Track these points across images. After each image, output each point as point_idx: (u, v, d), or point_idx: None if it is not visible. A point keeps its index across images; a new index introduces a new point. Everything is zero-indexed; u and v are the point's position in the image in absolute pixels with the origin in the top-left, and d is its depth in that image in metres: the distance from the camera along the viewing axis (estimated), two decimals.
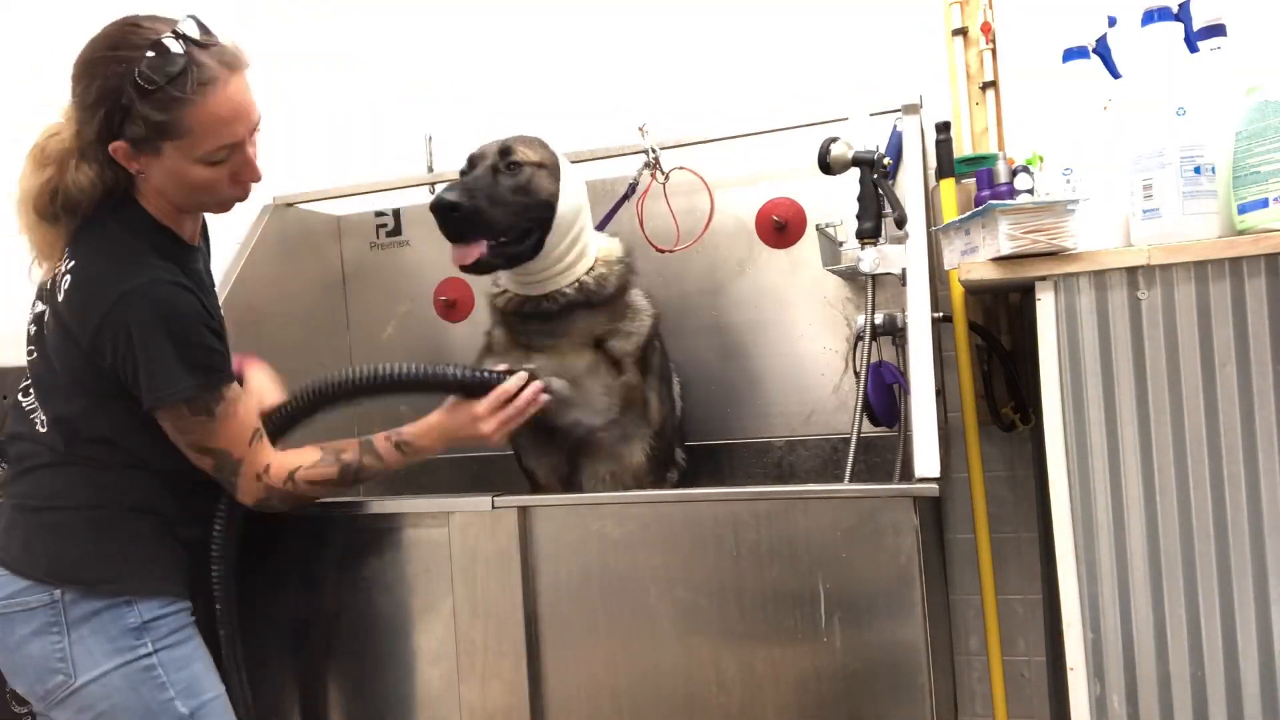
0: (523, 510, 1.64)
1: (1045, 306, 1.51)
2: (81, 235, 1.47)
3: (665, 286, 2.30)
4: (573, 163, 2.29)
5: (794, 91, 2.33)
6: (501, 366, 1.72)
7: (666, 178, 2.15)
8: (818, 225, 2.03)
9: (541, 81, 2.56)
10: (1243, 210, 1.46)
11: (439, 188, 2.33)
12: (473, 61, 2.64)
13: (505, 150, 1.83)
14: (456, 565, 1.65)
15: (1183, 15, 1.66)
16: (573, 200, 1.84)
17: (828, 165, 1.84)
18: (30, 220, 1.47)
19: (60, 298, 1.45)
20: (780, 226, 2.20)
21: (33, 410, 1.52)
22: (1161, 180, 1.48)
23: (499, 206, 1.76)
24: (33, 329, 1.53)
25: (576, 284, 1.84)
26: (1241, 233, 1.46)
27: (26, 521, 1.48)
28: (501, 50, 2.61)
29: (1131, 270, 1.47)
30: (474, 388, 1.65)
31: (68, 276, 1.44)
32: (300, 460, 1.58)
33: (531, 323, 1.87)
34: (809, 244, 2.15)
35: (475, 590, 1.66)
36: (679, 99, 2.41)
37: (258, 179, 1.57)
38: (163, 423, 1.47)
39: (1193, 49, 1.62)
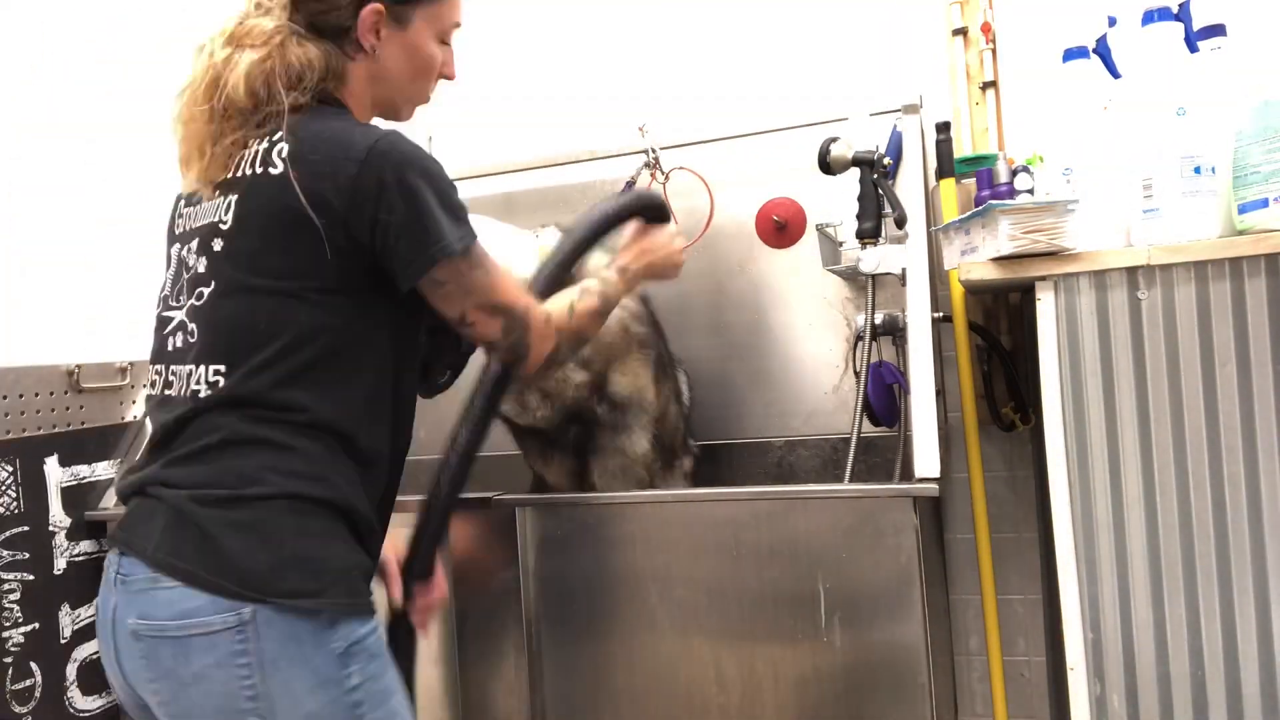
0: (522, 509, 1.64)
1: (1045, 306, 1.51)
2: (289, 123, 1.22)
3: (665, 286, 2.29)
4: (573, 163, 2.30)
5: (794, 91, 2.33)
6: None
7: (666, 178, 2.15)
8: (818, 225, 2.03)
9: (541, 81, 2.56)
10: (1243, 210, 1.46)
11: None
12: (473, 61, 2.64)
13: None
14: (456, 565, 1.65)
15: (1183, 15, 1.66)
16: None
17: (828, 165, 1.84)
18: (209, 116, 1.25)
19: (269, 186, 1.19)
20: (780, 226, 2.20)
21: (189, 377, 1.20)
22: (1161, 180, 1.48)
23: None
24: (196, 268, 1.26)
25: None
26: (1241, 233, 1.46)
27: (203, 518, 1.12)
28: (501, 50, 2.60)
29: (1131, 270, 1.47)
30: (654, 211, 1.58)
31: (282, 149, 1.19)
32: (565, 300, 1.38)
33: None
34: (809, 244, 2.15)
35: (475, 590, 1.66)
36: (679, 99, 2.41)
37: (452, 77, 1.49)
38: (435, 290, 1.21)
39: (1193, 49, 1.62)
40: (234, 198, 1.22)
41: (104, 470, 1.93)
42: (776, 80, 2.36)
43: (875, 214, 1.84)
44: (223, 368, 1.18)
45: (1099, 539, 1.48)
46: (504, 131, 2.56)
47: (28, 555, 1.78)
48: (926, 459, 1.48)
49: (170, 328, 1.28)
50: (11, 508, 1.77)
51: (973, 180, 1.99)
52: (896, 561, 1.46)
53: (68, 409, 1.89)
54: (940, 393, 1.77)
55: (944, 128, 2.05)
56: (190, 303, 1.25)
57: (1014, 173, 1.84)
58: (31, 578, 1.79)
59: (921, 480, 1.46)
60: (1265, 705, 1.41)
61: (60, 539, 1.85)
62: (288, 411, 1.17)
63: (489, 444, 1.67)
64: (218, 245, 1.23)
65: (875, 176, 1.83)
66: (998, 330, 2.11)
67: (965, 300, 2.01)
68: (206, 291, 1.23)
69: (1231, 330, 1.43)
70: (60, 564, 1.84)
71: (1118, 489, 1.48)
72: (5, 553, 1.75)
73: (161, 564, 1.12)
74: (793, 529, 1.51)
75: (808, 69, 2.34)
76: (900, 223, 1.78)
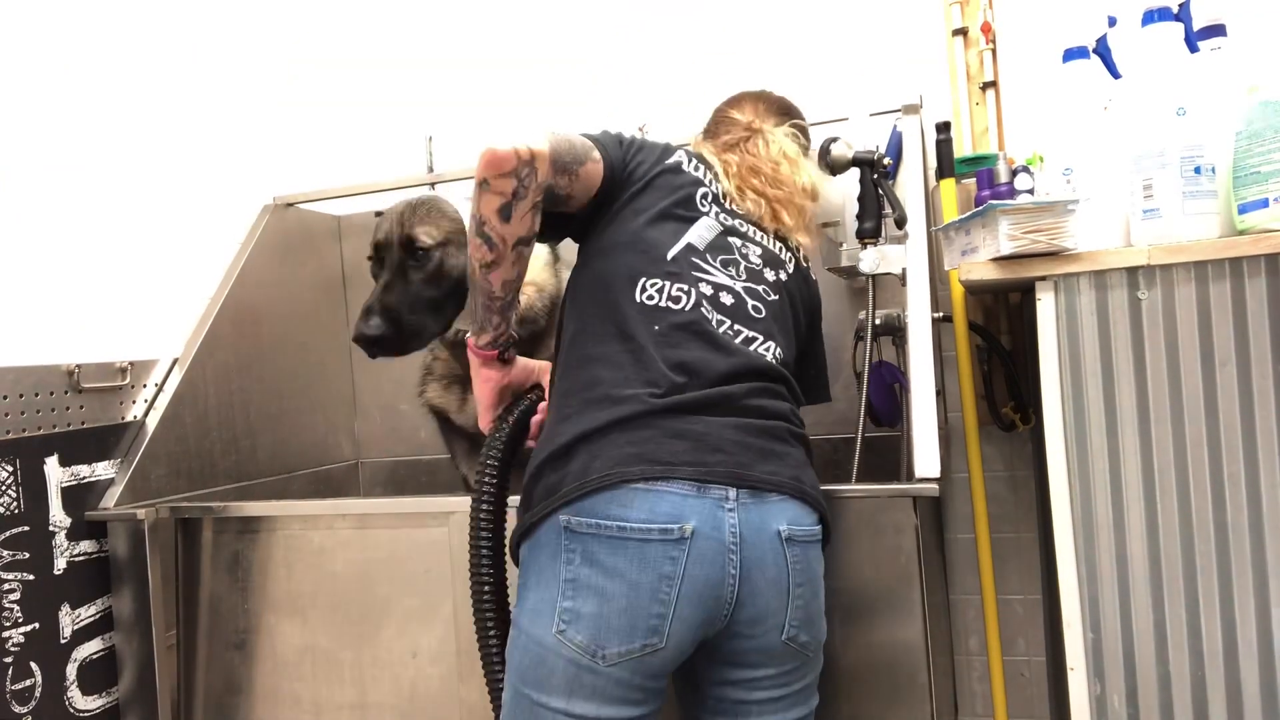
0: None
1: (1045, 306, 1.51)
2: None
3: None
4: None
5: (794, 91, 2.32)
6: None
7: None
8: (818, 225, 2.02)
9: (541, 81, 2.56)
10: (1243, 210, 1.46)
11: (439, 189, 2.35)
12: (473, 61, 2.64)
13: (407, 240, 1.71)
14: (456, 565, 1.65)
15: (1183, 15, 1.66)
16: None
17: (828, 165, 1.84)
18: None
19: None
20: None
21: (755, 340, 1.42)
22: (1161, 180, 1.48)
23: (418, 313, 1.68)
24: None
25: None
26: (1241, 233, 1.46)
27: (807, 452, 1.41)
28: (501, 50, 2.61)
29: (1131, 270, 1.47)
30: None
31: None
32: None
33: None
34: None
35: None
36: (680, 99, 2.40)
37: None
38: None
39: (1193, 49, 1.62)
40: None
41: (104, 470, 1.93)
42: (777, 80, 2.35)
43: (875, 214, 1.84)
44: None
45: (1099, 539, 1.48)
46: (503, 131, 2.56)
47: (28, 555, 1.78)
48: (926, 459, 1.48)
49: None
50: (11, 508, 1.76)
51: (973, 180, 1.99)
52: (896, 561, 1.46)
53: (68, 409, 1.89)
54: (940, 393, 1.77)
55: (944, 128, 2.05)
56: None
57: (1014, 173, 1.84)
58: (31, 578, 1.79)
59: (921, 480, 1.46)
60: (1265, 705, 1.41)
61: (60, 539, 1.85)
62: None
63: (422, 448, 1.66)
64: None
65: (875, 176, 1.83)
66: (998, 330, 2.11)
67: (965, 300, 2.01)
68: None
69: (1231, 330, 1.43)
70: (60, 564, 1.84)
71: (1118, 489, 1.48)
72: (5, 553, 1.75)
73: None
74: None
75: (808, 69, 2.34)
76: (900, 223, 1.78)
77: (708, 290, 1.41)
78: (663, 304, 1.38)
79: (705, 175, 1.54)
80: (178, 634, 1.89)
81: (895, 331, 1.98)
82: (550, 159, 1.35)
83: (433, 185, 2.39)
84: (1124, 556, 1.47)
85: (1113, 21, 1.83)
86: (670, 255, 1.42)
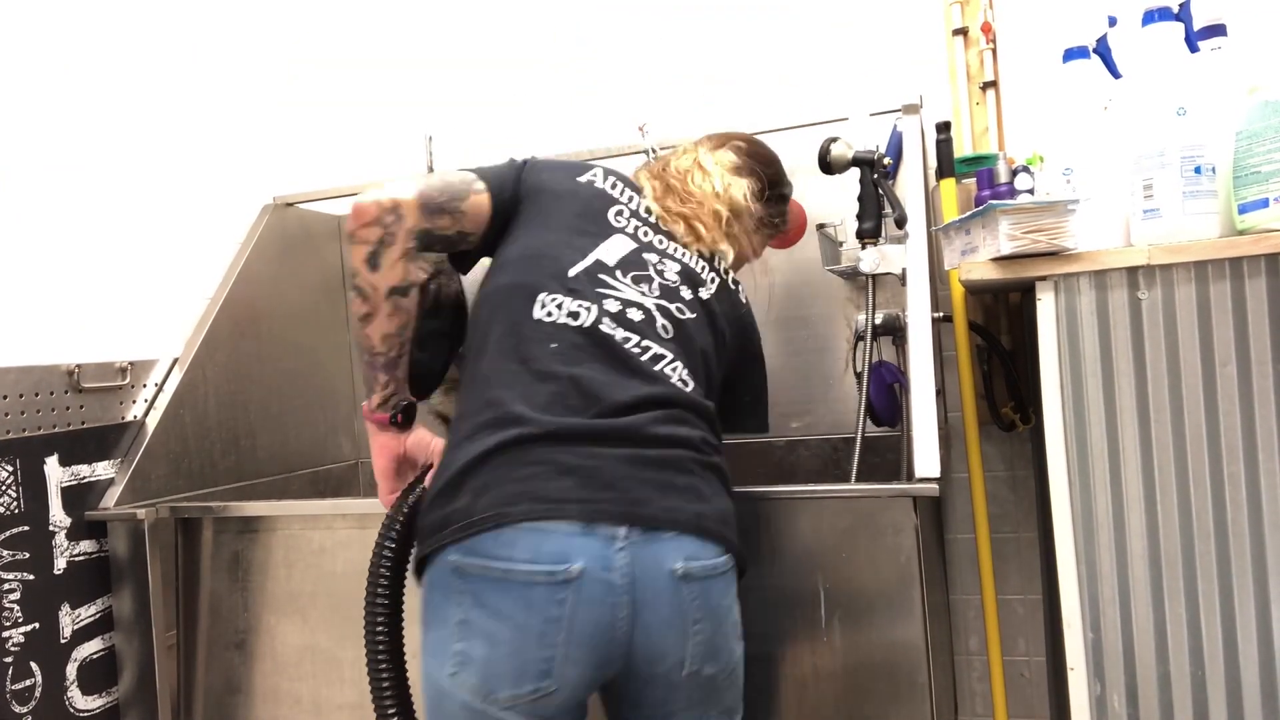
0: None
1: (1045, 306, 1.51)
2: None
3: None
4: None
5: (794, 91, 2.33)
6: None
7: None
8: (818, 225, 2.03)
9: (541, 81, 2.56)
10: (1243, 210, 1.46)
11: None
12: (473, 61, 2.64)
13: None
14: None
15: (1183, 15, 1.66)
16: (474, 276, 1.61)
17: (828, 165, 1.84)
18: None
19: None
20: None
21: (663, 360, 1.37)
22: (1162, 180, 1.48)
23: (426, 349, 1.54)
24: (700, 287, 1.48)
25: None
26: (1242, 233, 1.46)
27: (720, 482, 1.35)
28: (502, 50, 2.61)
29: (1132, 270, 1.47)
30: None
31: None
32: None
33: None
34: (809, 244, 2.15)
35: None
36: (679, 99, 2.41)
37: None
38: None
39: (1193, 49, 1.62)
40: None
41: (104, 470, 1.93)
42: (777, 80, 2.36)
43: (875, 214, 1.84)
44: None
45: (1099, 539, 1.48)
46: (503, 131, 2.57)
47: (28, 555, 1.78)
48: (926, 459, 1.48)
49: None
50: (11, 508, 1.77)
51: (973, 180, 1.99)
52: (896, 561, 1.46)
53: (68, 409, 1.89)
54: (940, 393, 1.77)
55: (944, 128, 2.05)
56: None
57: (1014, 173, 1.84)
58: (31, 578, 1.79)
59: (921, 480, 1.46)
60: (1265, 705, 1.41)
61: (60, 539, 1.85)
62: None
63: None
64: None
65: (875, 176, 1.83)
66: (998, 330, 2.11)
67: (965, 300, 2.01)
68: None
69: (1231, 330, 1.43)
70: (60, 564, 1.84)
71: (1118, 489, 1.48)
72: (5, 553, 1.75)
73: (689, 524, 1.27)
74: (793, 529, 1.51)
75: (808, 69, 2.34)
76: (900, 223, 1.78)
77: (613, 306, 1.36)
78: (561, 320, 1.34)
79: (623, 194, 1.52)
80: (178, 634, 1.90)
81: (895, 331, 1.98)
82: (418, 204, 1.35)
83: None
84: (1124, 556, 1.47)
85: (1113, 21, 1.83)
86: (573, 272, 1.38)
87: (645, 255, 1.45)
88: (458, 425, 1.32)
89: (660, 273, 1.44)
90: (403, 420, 1.45)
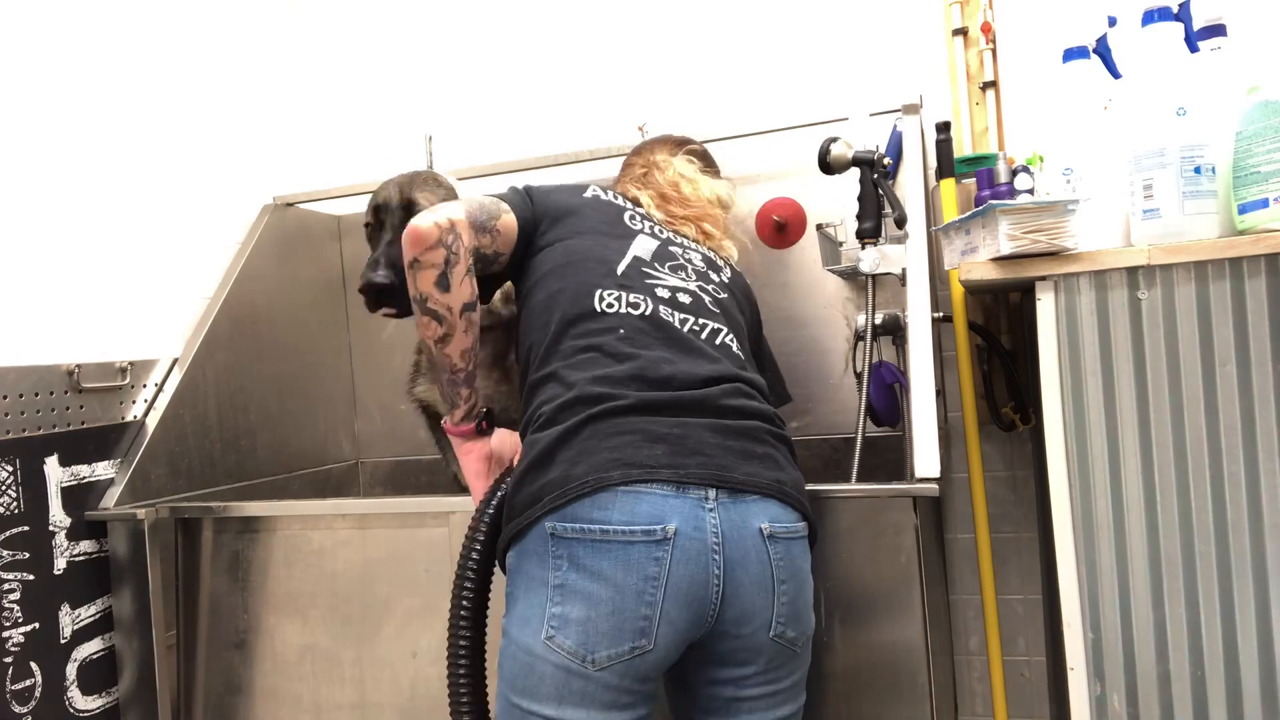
0: None
1: (1045, 306, 1.51)
2: None
3: None
4: (573, 163, 2.30)
5: (794, 91, 2.33)
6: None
7: None
8: (818, 225, 2.03)
9: (541, 81, 2.56)
10: (1243, 210, 1.46)
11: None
12: (472, 61, 2.64)
13: (408, 203, 1.70)
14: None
15: (1183, 15, 1.66)
16: None
17: (828, 165, 1.84)
18: None
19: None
20: (780, 226, 2.20)
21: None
22: (1161, 180, 1.48)
23: None
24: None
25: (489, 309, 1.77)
26: (1241, 233, 1.46)
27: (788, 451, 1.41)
28: (501, 50, 2.61)
29: (1131, 270, 1.47)
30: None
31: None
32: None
33: None
34: (809, 244, 2.15)
35: None
36: (679, 99, 2.41)
37: None
38: None
39: (1193, 49, 1.62)
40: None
41: (104, 470, 1.93)
42: (777, 80, 2.37)
43: (875, 214, 1.84)
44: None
45: (1099, 539, 1.48)
46: (503, 131, 2.57)
47: (28, 555, 1.78)
48: (926, 459, 1.48)
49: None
50: (11, 508, 1.77)
51: (973, 180, 1.99)
52: (896, 561, 1.46)
53: (68, 409, 1.89)
54: (940, 393, 1.77)
55: (944, 128, 2.05)
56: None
57: (1014, 173, 1.84)
58: (31, 578, 1.79)
59: (921, 480, 1.46)
60: (1265, 705, 1.41)
61: (60, 539, 1.85)
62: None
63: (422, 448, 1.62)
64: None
65: (875, 176, 1.83)
66: (998, 330, 2.11)
67: (965, 300, 2.01)
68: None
69: (1231, 330, 1.43)
70: (60, 564, 1.84)
71: (1118, 489, 1.48)
72: (5, 553, 1.75)
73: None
74: None
75: (808, 69, 2.34)
76: (900, 223, 1.78)
77: (664, 294, 1.45)
78: (623, 310, 1.41)
79: (625, 203, 1.63)
80: (178, 634, 1.89)
81: (895, 331, 1.98)
82: (469, 223, 1.42)
83: None
84: (1124, 556, 1.47)
85: (1113, 21, 1.83)
86: (620, 270, 1.47)
87: (671, 249, 1.56)
88: (535, 413, 1.37)
89: (689, 261, 1.56)
90: (487, 426, 1.50)
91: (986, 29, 2.16)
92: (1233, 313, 1.43)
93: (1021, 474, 2.19)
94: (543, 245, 1.52)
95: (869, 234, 1.85)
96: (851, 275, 2.03)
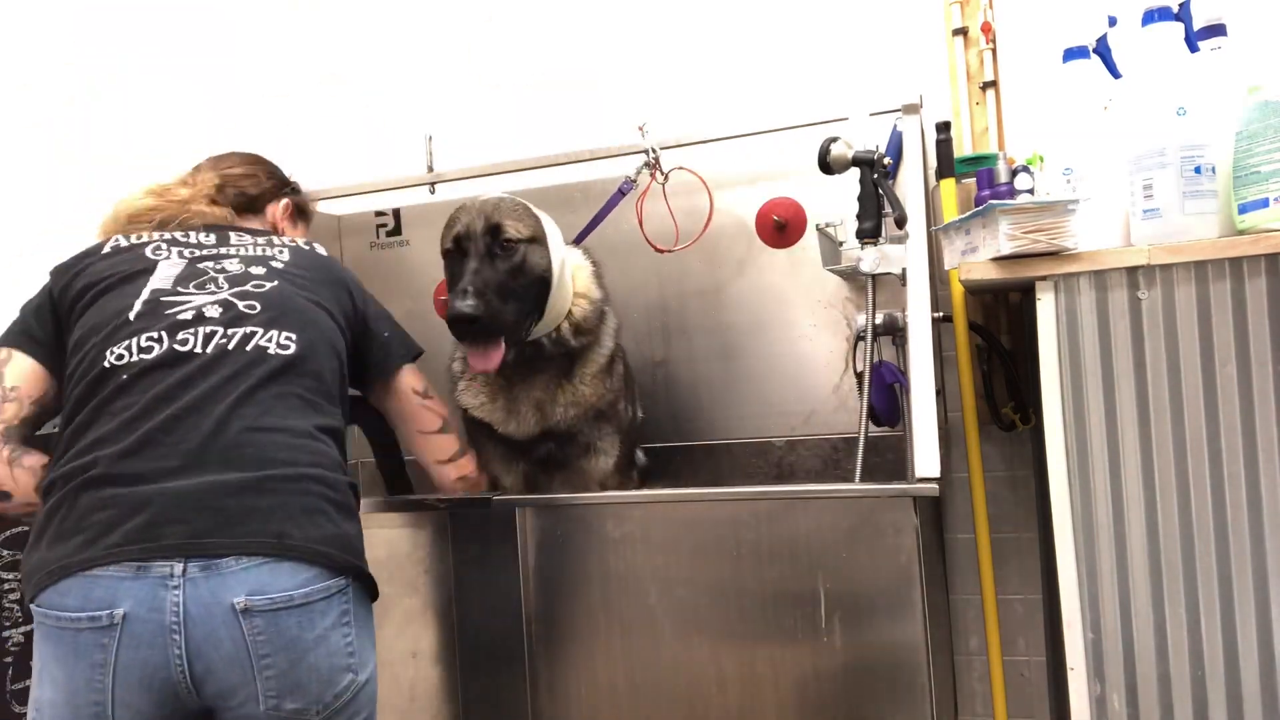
0: (522, 509, 1.64)
1: (1045, 306, 1.51)
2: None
3: (664, 286, 2.30)
4: (573, 162, 2.30)
5: (794, 91, 2.33)
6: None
7: (666, 178, 2.14)
8: (818, 225, 2.03)
9: (541, 81, 2.56)
10: (1243, 210, 1.46)
11: (439, 189, 2.35)
12: (471, 61, 2.64)
13: (495, 229, 1.72)
14: (456, 565, 1.65)
15: (1183, 15, 1.66)
16: (558, 262, 1.78)
17: (828, 165, 1.84)
18: None
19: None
20: (780, 226, 2.20)
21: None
22: (1162, 180, 1.48)
23: (509, 301, 1.69)
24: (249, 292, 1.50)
25: (555, 333, 1.81)
26: (1242, 233, 1.46)
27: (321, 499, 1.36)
28: (501, 50, 2.61)
29: (1131, 270, 1.47)
30: None
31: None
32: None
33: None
34: (809, 244, 2.15)
35: (475, 590, 1.66)
36: (679, 99, 2.41)
37: None
38: (406, 383, 1.65)
39: (1193, 49, 1.62)
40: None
41: None
42: (777, 80, 2.36)
43: (875, 214, 1.84)
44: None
45: (1099, 539, 1.48)
46: (503, 131, 2.57)
47: None
48: (926, 459, 1.48)
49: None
50: None
51: (973, 180, 1.99)
52: (896, 561, 1.46)
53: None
54: (940, 393, 1.77)
55: (944, 128, 2.05)
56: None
57: (1014, 173, 1.84)
58: None
59: (921, 480, 1.46)
60: (1265, 705, 1.41)
61: None
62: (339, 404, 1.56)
63: None
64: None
65: (875, 176, 1.83)
66: (998, 330, 2.11)
67: (965, 300, 2.01)
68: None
69: (1231, 330, 1.43)
70: None
71: (1118, 489, 1.48)
72: (5, 553, 1.75)
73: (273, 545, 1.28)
74: (793, 529, 1.51)
75: (808, 69, 2.34)
76: (900, 223, 1.78)
77: (188, 315, 1.42)
78: (134, 359, 1.37)
79: (154, 235, 1.58)
80: None
81: (895, 331, 1.98)
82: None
83: (432, 185, 2.40)
84: (1124, 556, 1.47)
85: (1113, 21, 1.83)
86: (133, 314, 1.43)
87: (200, 265, 1.52)
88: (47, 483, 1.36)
89: (221, 271, 1.51)
90: None
91: (986, 29, 2.16)
92: (1233, 313, 1.43)
93: (1021, 474, 2.19)
94: (72, 328, 1.48)
95: (869, 234, 1.85)
96: (851, 275, 2.02)
